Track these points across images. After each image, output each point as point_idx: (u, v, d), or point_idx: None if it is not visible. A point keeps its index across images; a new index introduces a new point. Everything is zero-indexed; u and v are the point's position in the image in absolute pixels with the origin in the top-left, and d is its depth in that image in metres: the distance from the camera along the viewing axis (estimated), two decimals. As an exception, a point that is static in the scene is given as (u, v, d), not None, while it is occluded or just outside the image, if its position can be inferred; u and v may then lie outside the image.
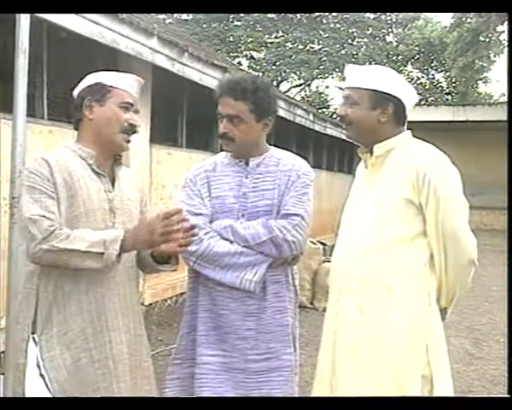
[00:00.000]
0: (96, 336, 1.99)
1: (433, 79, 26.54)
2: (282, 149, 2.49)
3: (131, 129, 2.08)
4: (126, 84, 2.10)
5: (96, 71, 2.16)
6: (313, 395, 2.25)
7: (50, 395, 1.92)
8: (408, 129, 2.24)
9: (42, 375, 1.94)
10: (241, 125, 2.29)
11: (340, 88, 2.36)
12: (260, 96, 2.29)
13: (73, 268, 1.92)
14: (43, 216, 1.89)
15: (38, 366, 1.94)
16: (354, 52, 22.25)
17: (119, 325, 2.04)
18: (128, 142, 2.10)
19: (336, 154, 14.16)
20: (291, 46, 22.71)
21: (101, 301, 2.00)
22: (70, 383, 1.95)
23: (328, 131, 12.48)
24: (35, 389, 1.93)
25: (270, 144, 2.46)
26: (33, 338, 1.97)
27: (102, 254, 1.88)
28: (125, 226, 2.06)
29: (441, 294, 2.13)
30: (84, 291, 1.98)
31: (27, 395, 1.94)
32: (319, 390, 2.22)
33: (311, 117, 11.40)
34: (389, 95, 2.13)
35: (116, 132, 2.05)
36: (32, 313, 1.98)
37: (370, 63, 18.94)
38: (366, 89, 2.14)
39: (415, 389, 2.03)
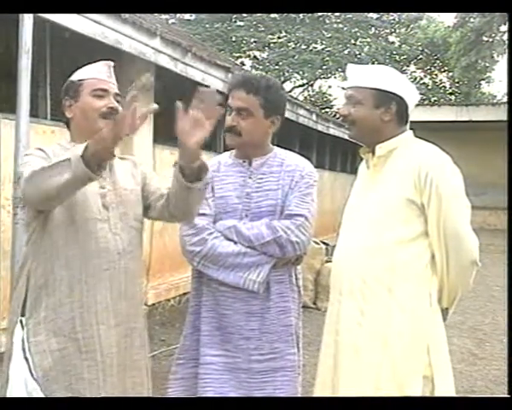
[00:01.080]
0: (85, 328, 1.96)
1: (436, 78, 26.52)
2: (285, 149, 2.48)
3: (112, 112, 2.02)
4: (94, 71, 2.08)
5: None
6: (315, 395, 2.25)
7: (33, 380, 1.91)
8: (411, 129, 2.24)
9: (26, 358, 1.92)
10: (250, 119, 2.28)
11: (343, 88, 2.35)
12: (272, 93, 2.30)
13: (56, 189, 1.77)
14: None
15: (24, 350, 1.93)
16: (357, 52, 22.28)
17: (109, 318, 2.00)
18: None
19: (339, 154, 14.16)
20: (294, 46, 22.75)
21: (93, 292, 1.97)
22: (54, 370, 1.93)
23: (331, 131, 12.48)
24: (18, 372, 1.92)
25: (273, 144, 2.46)
26: (21, 321, 1.95)
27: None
28: (123, 220, 2.04)
29: (443, 294, 2.13)
30: (77, 279, 1.95)
31: (11, 378, 1.93)
32: (321, 390, 2.22)
33: (314, 117, 11.41)
34: (392, 93, 2.13)
35: (95, 120, 2.02)
36: (22, 296, 1.96)
37: (373, 63, 18.94)
38: (369, 88, 2.13)
39: (416, 390, 2.02)
